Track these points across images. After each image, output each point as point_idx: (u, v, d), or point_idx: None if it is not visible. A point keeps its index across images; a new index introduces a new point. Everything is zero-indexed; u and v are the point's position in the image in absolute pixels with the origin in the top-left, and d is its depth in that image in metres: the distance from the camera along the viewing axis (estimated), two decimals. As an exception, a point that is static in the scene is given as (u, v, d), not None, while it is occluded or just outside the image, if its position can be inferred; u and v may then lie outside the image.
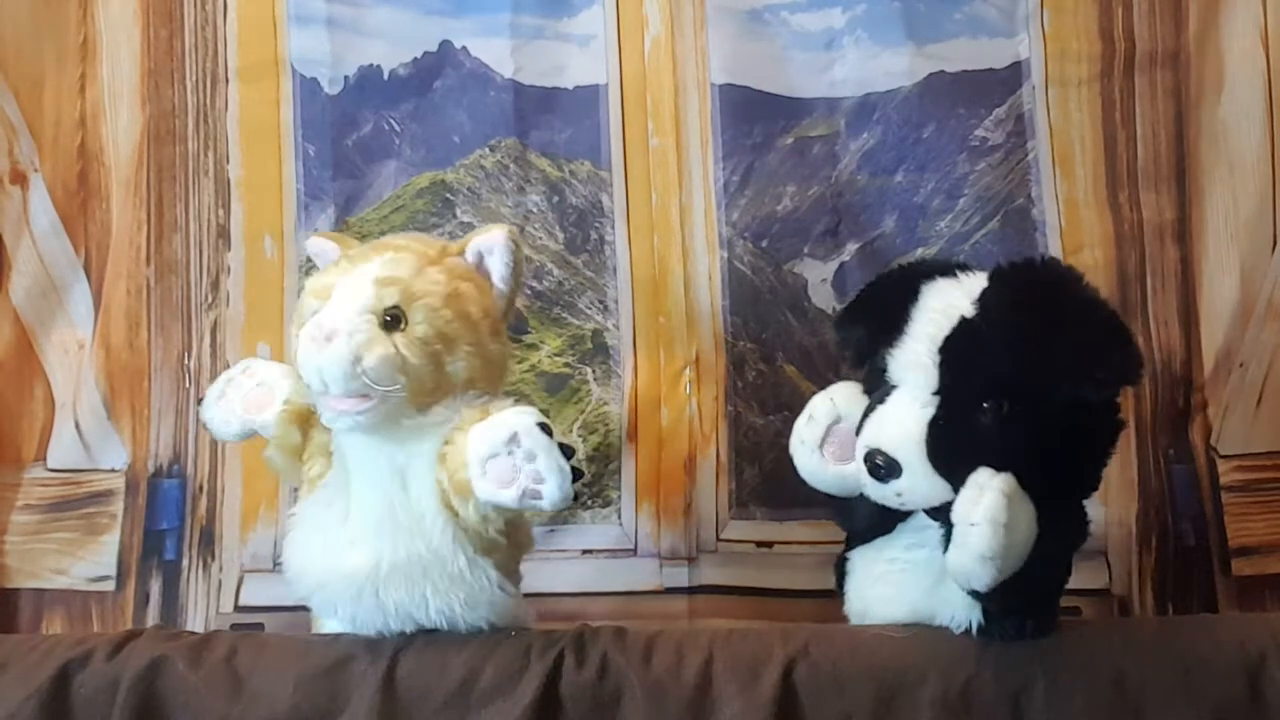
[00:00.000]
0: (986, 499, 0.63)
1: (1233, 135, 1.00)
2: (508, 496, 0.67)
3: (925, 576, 0.72)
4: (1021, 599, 0.68)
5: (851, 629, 0.75)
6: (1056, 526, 0.67)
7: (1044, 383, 0.66)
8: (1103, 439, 0.71)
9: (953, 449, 0.67)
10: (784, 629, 0.74)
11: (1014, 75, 1.01)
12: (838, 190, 1.03)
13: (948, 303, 0.70)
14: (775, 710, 0.68)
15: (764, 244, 1.03)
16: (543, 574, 0.97)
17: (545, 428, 0.67)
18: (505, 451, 0.67)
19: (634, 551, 1.00)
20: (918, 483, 0.68)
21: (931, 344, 0.69)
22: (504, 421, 0.67)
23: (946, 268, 0.74)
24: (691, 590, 0.98)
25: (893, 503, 0.70)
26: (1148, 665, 0.69)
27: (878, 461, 0.68)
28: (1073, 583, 0.94)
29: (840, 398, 0.74)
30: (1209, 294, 1.00)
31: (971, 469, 0.66)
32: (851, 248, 1.02)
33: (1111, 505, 0.97)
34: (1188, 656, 0.69)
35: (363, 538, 0.70)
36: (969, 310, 0.69)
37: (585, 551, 1.00)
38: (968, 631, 0.71)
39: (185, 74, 1.06)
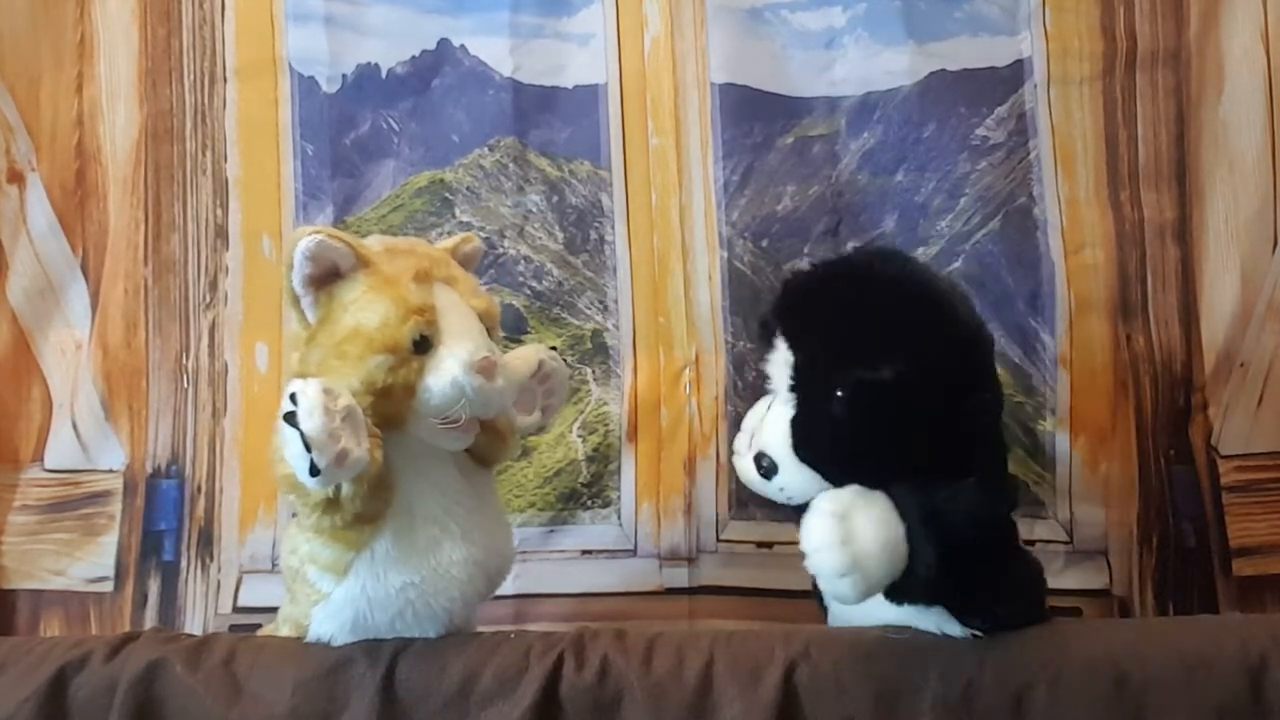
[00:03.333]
0: (815, 526, 0.66)
1: (1233, 135, 1.00)
2: None
3: None
4: (939, 592, 0.68)
5: (852, 631, 0.74)
6: (949, 508, 0.67)
7: (851, 369, 0.68)
8: (958, 415, 0.70)
9: (809, 441, 0.71)
10: (785, 630, 0.74)
11: (1015, 74, 1.01)
12: (838, 190, 1.02)
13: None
14: (776, 713, 0.67)
15: (764, 244, 1.02)
16: (542, 574, 0.98)
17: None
18: None
19: (634, 552, 1.00)
20: (791, 477, 0.72)
21: (784, 345, 0.73)
22: None
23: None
24: (692, 591, 0.98)
25: (780, 499, 0.74)
26: (1149, 666, 0.69)
27: (762, 462, 0.73)
28: (1074, 583, 0.96)
29: (762, 406, 0.78)
30: (1209, 294, 1.00)
31: (830, 459, 0.70)
32: (852, 247, 1.02)
33: (1112, 506, 0.98)
34: (1189, 657, 0.69)
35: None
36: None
37: (585, 552, 1.00)
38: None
39: (183, 73, 1.05)
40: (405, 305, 0.69)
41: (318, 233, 0.69)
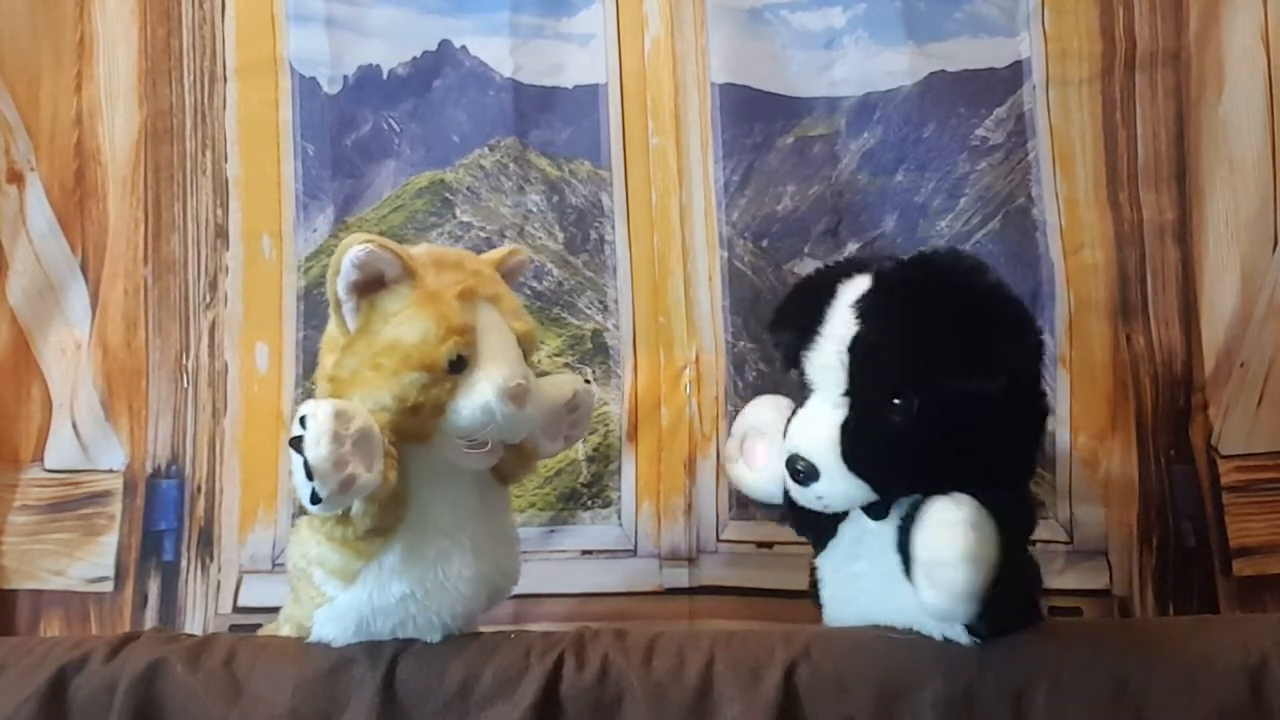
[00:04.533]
0: (958, 539, 0.62)
1: (1233, 135, 1.00)
2: None
3: (874, 586, 0.72)
4: (990, 606, 0.65)
5: (853, 631, 0.74)
6: (1001, 520, 0.65)
7: (939, 377, 0.65)
8: (1026, 424, 0.70)
9: (866, 450, 0.67)
10: (785, 630, 0.74)
11: (1015, 74, 1.01)
12: (838, 190, 1.02)
13: (849, 303, 0.69)
14: (776, 713, 0.67)
15: (764, 244, 1.02)
16: (543, 575, 0.97)
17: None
18: None
19: (634, 552, 1.00)
20: (836, 485, 0.68)
21: (840, 344, 0.68)
22: None
23: (869, 265, 0.73)
24: (692, 591, 0.98)
25: (815, 505, 0.70)
26: (1149, 666, 0.69)
27: (797, 466, 0.68)
28: (1074, 583, 0.96)
29: (751, 409, 0.77)
30: (1209, 294, 1.00)
31: (888, 469, 0.67)
32: (852, 248, 1.02)
33: (1112, 506, 0.97)
34: (1189, 657, 0.69)
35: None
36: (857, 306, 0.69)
37: (585, 552, 1.00)
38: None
39: (183, 72, 1.05)
40: (446, 324, 0.68)
41: (369, 242, 0.68)
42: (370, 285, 0.69)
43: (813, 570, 0.79)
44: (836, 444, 0.67)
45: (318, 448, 0.62)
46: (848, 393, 0.68)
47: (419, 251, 0.73)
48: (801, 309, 0.72)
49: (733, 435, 0.78)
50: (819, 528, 0.76)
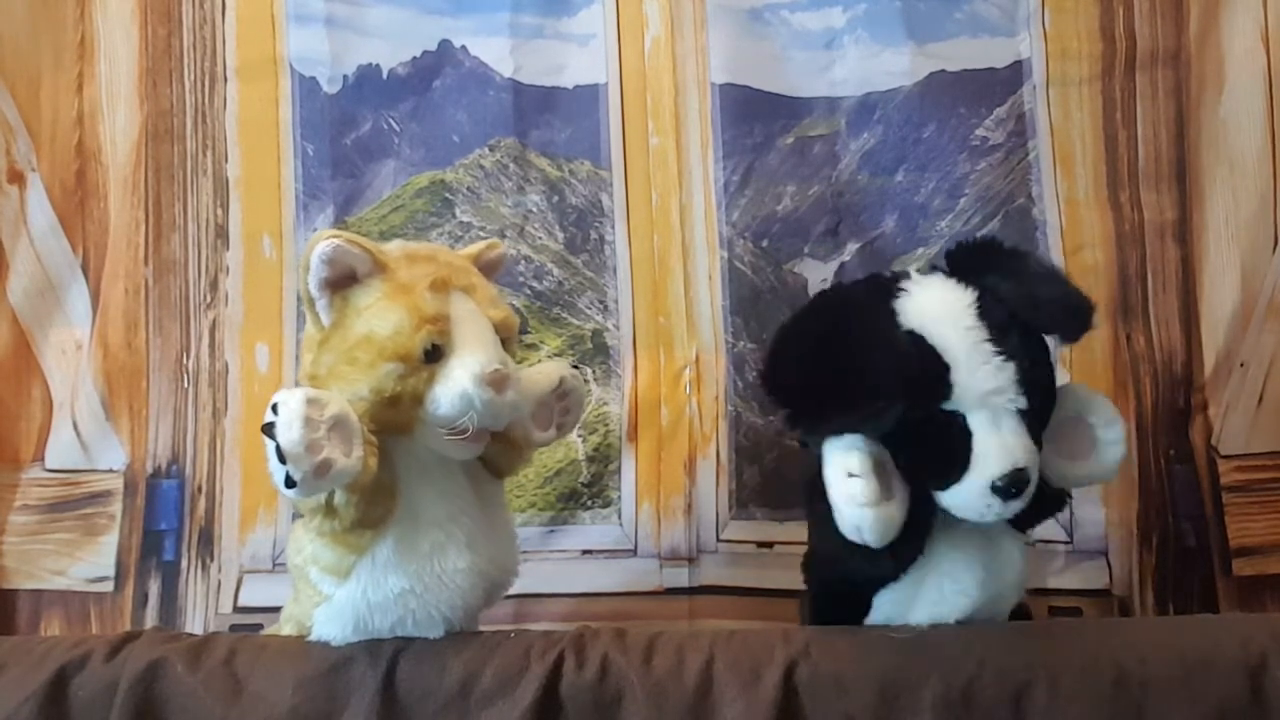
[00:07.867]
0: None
1: (1233, 135, 1.00)
2: None
3: (991, 567, 0.74)
4: None
5: (852, 630, 0.74)
6: None
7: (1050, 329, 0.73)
8: None
9: (1042, 416, 0.72)
10: (785, 630, 0.74)
11: (1015, 74, 1.01)
12: (838, 190, 1.02)
13: (951, 319, 0.69)
14: (776, 712, 0.67)
15: (764, 244, 1.03)
16: (543, 574, 0.98)
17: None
18: None
19: (634, 552, 1.00)
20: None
21: (986, 355, 0.68)
22: None
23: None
24: (692, 591, 0.98)
25: (1007, 515, 0.69)
26: (1149, 666, 0.69)
27: (1022, 479, 0.68)
28: (1074, 583, 0.96)
29: (863, 443, 0.69)
30: (1209, 294, 1.00)
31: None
32: (852, 248, 1.02)
33: (1112, 505, 0.98)
34: (1189, 657, 0.69)
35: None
36: (971, 311, 0.69)
37: (585, 552, 1.00)
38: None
39: (183, 73, 1.05)
40: (419, 314, 0.68)
41: (336, 237, 0.68)
42: (341, 281, 0.69)
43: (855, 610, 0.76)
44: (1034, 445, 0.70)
45: (289, 431, 0.62)
46: (1022, 389, 0.69)
47: (391, 247, 0.73)
48: (912, 371, 0.68)
49: (860, 475, 0.67)
50: (915, 550, 0.72)
